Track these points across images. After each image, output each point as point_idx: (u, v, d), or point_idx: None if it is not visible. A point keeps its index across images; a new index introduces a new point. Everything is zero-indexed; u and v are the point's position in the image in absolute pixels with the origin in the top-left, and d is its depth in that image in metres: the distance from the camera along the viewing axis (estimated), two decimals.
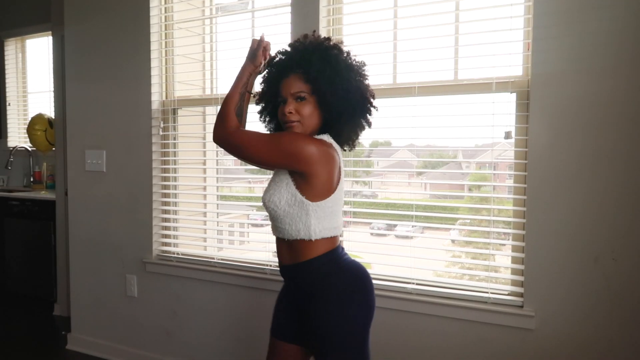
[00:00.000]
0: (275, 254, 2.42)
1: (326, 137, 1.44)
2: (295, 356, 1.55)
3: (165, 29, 2.62)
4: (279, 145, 1.38)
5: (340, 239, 1.65)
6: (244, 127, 1.57)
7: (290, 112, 1.41)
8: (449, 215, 2.11)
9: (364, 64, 1.53)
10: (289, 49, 1.50)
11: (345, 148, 1.54)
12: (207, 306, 2.49)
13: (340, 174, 1.45)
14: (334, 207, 1.43)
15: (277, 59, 1.52)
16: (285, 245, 1.48)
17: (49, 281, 3.62)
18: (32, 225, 3.73)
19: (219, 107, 2.60)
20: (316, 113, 1.43)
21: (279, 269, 1.54)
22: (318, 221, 1.40)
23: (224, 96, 1.52)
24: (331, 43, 1.49)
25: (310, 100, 1.42)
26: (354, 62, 1.50)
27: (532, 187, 1.81)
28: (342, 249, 1.53)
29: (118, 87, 2.67)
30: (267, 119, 1.59)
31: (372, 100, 1.51)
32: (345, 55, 1.49)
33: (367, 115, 1.51)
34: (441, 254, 2.15)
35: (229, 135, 1.46)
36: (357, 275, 1.49)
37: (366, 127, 1.53)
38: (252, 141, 1.41)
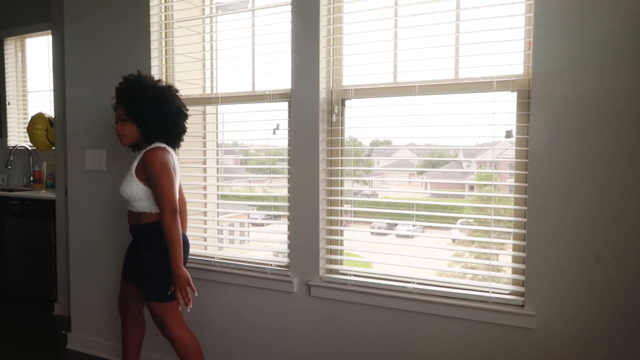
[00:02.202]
0: (276, 254, 2.43)
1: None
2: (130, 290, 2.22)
3: (165, 28, 2.61)
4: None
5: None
6: None
7: (117, 128, 2.13)
8: (449, 214, 2.11)
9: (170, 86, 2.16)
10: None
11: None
12: (207, 305, 2.49)
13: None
14: None
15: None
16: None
17: (49, 280, 3.61)
18: (32, 224, 3.73)
19: (219, 106, 2.62)
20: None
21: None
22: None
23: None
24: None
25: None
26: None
27: (533, 186, 1.81)
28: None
29: None
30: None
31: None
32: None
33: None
34: (442, 253, 2.15)
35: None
36: None
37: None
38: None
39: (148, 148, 2.07)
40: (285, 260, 2.35)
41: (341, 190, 2.25)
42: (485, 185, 2.04)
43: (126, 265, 2.22)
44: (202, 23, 2.66)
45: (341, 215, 2.24)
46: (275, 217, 2.46)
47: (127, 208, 2.12)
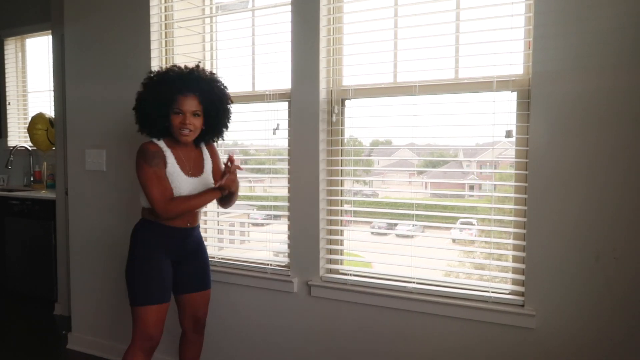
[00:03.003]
0: (276, 254, 2.43)
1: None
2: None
3: (165, 28, 2.61)
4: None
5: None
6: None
7: (189, 124, 1.91)
8: (449, 214, 2.11)
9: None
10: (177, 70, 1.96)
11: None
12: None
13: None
14: None
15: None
16: None
17: (49, 280, 3.62)
18: (32, 224, 3.73)
19: None
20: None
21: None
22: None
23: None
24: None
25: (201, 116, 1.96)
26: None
27: (533, 186, 1.81)
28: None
29: (118, 86, 2.67)
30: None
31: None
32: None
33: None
34: (442, 253, 2.15)
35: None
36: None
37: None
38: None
39: (206, 143, 2.09)
40: (285, 260, 2.36)
41: (341, 190, 2.25)
42: (485, 185, 2.04)
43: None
44: (202, 23, 2.66)
45: (341, 215, 2.24)
46: (275, 217, 2.46)
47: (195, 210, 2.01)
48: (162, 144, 1.95)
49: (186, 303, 2.10)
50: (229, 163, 1.88)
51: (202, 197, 1.91)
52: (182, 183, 1.92)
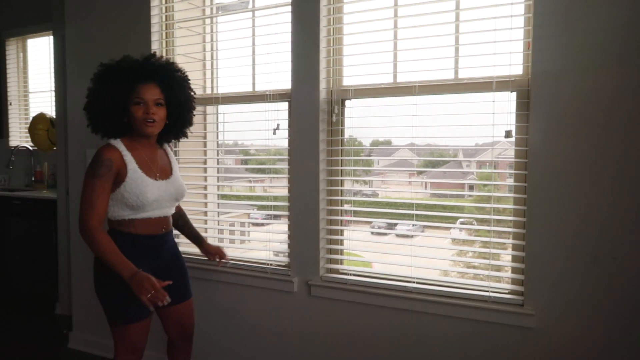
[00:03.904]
0: (276, 253, 2.43)
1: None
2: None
3: (166, 29, 2.62)
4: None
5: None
6: None
7: (154, 114, 1.75)
8: (449, 214, 2.12)
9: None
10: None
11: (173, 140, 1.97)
12: (207, 305, 2.50)
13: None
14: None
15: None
16: None
17: (50, 280, 3.62)
18: (33, 224, 3.74)
19: (219, 107, 2.62)
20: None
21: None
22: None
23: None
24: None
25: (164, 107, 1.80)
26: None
27: (533, 186, 1.81)
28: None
29: None
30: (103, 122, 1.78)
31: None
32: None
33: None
34: (442, 253, 2.15)
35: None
36: None
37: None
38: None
39: (168, 142, 1.95)
40: (285, 259, 2.36)
41: (341, 190, 2.25)
42: (485, 185, 2.04)
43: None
44: (202, 23, 2.67)
45: (341, 215, 2.25)
46: (275, 217, 2.47)
47: (164, 213, 1.86)
48: (121, 146, 1.75)
49: (169, 316, 1.96)
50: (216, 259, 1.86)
51: (118, 265, 1.63)
52: (148, 187, 1.74)
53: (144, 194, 1.74)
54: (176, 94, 1.80)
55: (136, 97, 1.73)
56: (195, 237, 2.14)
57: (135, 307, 1.70)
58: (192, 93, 1.90)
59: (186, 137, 1.97)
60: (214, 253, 2.11)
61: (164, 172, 1.85)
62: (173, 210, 1.94)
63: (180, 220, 2.12)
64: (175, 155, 2.62)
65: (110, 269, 1.66)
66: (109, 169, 1.70)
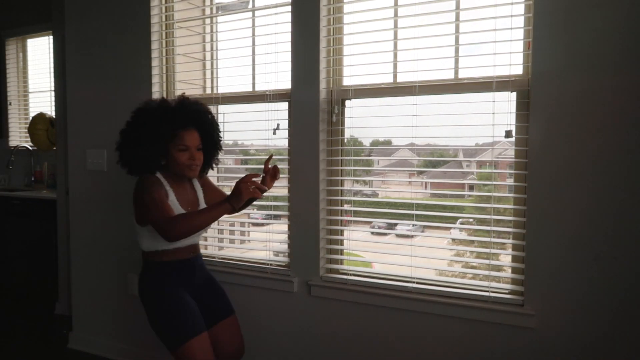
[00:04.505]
0: (276, 253, 2.43)
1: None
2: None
3: (166, 28, 2.62)
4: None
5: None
6: None
7: (198, 159, 1.86)
8: (449, 214, 2.11)
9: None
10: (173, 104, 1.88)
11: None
12: None
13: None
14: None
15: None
16: None
17: (50, 280, 3.62)
18: (33, 224, 3.74)
19: (219, 106, 2.62)
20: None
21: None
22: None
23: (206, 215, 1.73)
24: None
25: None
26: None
27: (533, 186, 1.81)
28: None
29: (119, 86, 2.68)
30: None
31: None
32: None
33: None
34: (442, 253, 2.15)
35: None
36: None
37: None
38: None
39: (201, 176, 2.04)
40: (285, 259, 2.36)
41: (341, 190, 2.25)
42: (485, 185, 2.04)
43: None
44: (202, 23, 2.67)
45: (341, 215, 2.25)
46: (275, 217, 2.46)
47: (194, 241, 1.96)
48: (162, 179, 1.86)
49: (218, 336, 1.95)
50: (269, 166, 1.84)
51: (211, 213, 1.71)
52: None
53: None
54: (211, 137, 1.93)
55: (181, 143, 1.82)
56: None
57: (190, 323, 1.78)
58: (220, 134, 2.01)
59: (212, 168, 2.08)
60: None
61: (193, 203, 1.94)
62: (200, 238, 2.03)
63: None
64: None
65: (158, 292, 1.83)
66: (159, 184, 1.81)
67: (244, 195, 1.64)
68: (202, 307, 1.92)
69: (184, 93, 1.99)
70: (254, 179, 1.68)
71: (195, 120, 1.86)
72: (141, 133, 1.80)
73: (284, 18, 2.26)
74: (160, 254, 1.88)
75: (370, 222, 2.30)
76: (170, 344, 1.79)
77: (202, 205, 1.98)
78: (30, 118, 4.09)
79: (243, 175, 1.71)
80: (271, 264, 2.37)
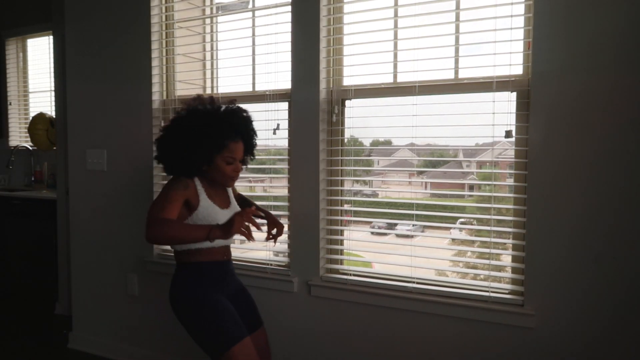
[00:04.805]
0: (276, 253, 2.43)
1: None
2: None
3: (166, 28, 2.62)
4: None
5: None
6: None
7: (240, 170, 1.86)
8: (449, 214, 2.11)
9: None
10: (224, 113, 1.82)
11: None
12: None
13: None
14: None
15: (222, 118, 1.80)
16: None
17: (50, 280, 3.62)
18: (33, 224, 3.74)
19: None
20: None
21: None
22: None
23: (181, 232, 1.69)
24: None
25: None
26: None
27: (533, 186, 1.81)
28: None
29: (119, 86, 2.68)
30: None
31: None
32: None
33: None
34: (442, 253, 2.15)
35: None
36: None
37: None
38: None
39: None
40: (285, 259, 2.36)
41: (341, 190, 2.25)
42: (485, 185, 2.04)
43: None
44: (202, 23, 2.67)
45: (341, 215, 2.24)
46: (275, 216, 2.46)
47: (227, 242, 1.90)
48: (197, 182, 1.82)
49: None
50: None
51: (194, 232, 1.66)
52: (217, 214, 1.80)
53: (216, 220, 1.77)
54: (251, 148, 1.91)
55: (229, 156, 1.79)
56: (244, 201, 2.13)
57: (233, 327, 1.72)
58: (256, 141, 1.97)
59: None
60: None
61: (225, 202, 1.90)
62: (232, 240, 1.96)
63: (241, 203, 2.12)
64: None
65: (195, 296, 1.76)
66: (185, 188, 1.75)
67: (235, 229, 1.61)
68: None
69: (235, 100, 1.92)
70: (254, 218, 1.66)
71: (242, 131, 1.83)
72: (189, 137, 1.75)
73: (284, 18, 2.26)
74: (194, 253, 1.81)
75: (370, 222, 2.30)
76: (212, 350, 1.72)
77: (234, 206, 1.94)
78: (30, 118, 4.09)
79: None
80: (271, 264, 2.37)
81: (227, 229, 1.62)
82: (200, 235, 1.64)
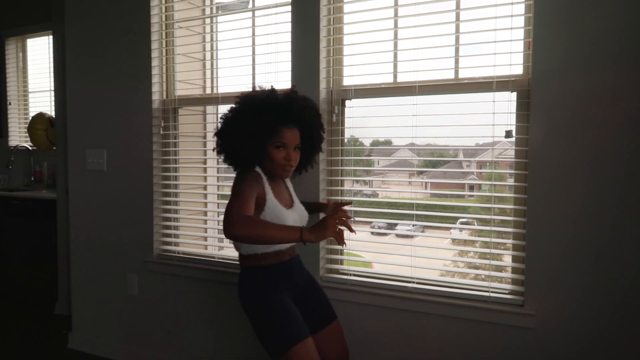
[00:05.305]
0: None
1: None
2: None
3: (166, 28, 2.62)
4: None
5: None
6: None
7: (294, 160, 1.74)
8: (449, 214, 2.11)
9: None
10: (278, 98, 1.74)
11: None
12: (207, 305, 2.50)
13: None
14: None
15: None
16: None
17: (50, 280, 3.62)
18: (33, 224, 3.74)
19: (219, 106, 2.62)
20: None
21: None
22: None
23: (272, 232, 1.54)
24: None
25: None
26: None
27: (533, 186, 1.81)
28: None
29: (119, 86, 2.68)
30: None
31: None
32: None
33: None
34: (442, 253, 2.15)
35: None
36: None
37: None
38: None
39: (292, 177, 1.93)
40: None
41: (341, 190, 2.25)
42: (485, 185, 2.04)
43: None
44: (202, 23, 2.67)
45: None
46: None
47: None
48: (261, 172, 1.73)
49: (323, 343, 1.80)
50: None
51: (284, 233, 1.52)
52: (284, 215, 1.71)
53: (282, 220, 1.68)
54: (313, 138, 1.80)
55: (279, 140, 1.70)
56: (312, 209, 2.01)
57: (294, 326, 1.66)
58: (324, 134, 1.89)
59: (306, 170, 1.93)
60: (333, 208, 1.92)
61: (287, 201, 1.83)
62: None
63: None
64: (175, 155, 2.63)
65: (259, 300, 1.70)
66: (255, 181, 1.68)
67: (328, 233, 1.47)
68: (307, 312, 1.79)
69: (294, 86, 1.85)
70: (345, 219, 1.54)
71: (299, 118, 1.72)
72: (241, 126, 1.69)
73: (284, 18, 2.26)
74: (259, 257, 1.75)
75: (370, 222, 2.30)
76: (274, 351, 1.69)
77: (298, 205, 1.86)
78: (30, 118, 4.09)
79: None
80: None
81: (321, 232, 1.48)
82: (292, 236, 1.50)
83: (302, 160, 1.83)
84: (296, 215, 1.79)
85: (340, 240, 1.52)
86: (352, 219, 1.89)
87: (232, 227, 1.50)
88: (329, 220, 1.49)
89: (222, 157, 1.80)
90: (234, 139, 1.71)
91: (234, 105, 1.77)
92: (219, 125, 1.78)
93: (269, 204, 1.70)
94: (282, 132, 1.70)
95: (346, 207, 2.00)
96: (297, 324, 1.68)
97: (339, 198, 2.25)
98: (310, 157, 1.87)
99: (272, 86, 1.79)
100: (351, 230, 1.58)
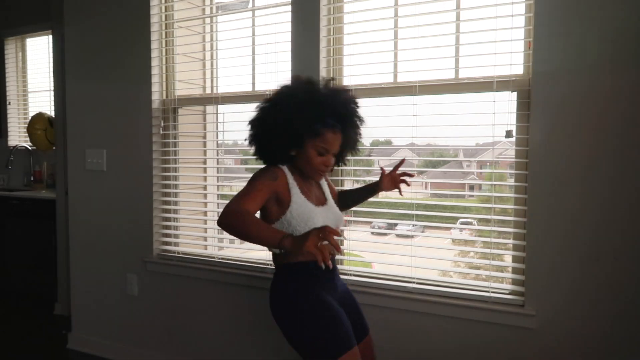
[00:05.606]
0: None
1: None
2: None
3: (166, 28, 2.61)
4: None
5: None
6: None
7: (331, 165, 1.63)
8: (449, 214, 2.11)
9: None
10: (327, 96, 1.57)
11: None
12: (207, 305, 2.49)
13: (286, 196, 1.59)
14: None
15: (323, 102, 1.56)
16: None
17: (49, 280, 3.62)
18: (32, 224, 3.73)
19: (219, 106, 2.62)
20: None
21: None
22: None
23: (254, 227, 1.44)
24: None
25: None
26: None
27: (533, 186, 1.81)
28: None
29: (118, 86, 2.67)
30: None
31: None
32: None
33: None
34: (442, 253, 2.15)
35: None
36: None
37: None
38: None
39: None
40: None
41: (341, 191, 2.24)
42: (485, 184, 2.04)
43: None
44: (202, 23, 2.67)
45: None
46: None
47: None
48: (286, 169, 1.61)
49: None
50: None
51: (263, 233, 1.40)
52: (313, 213, 1.57)
53: (312, 219, 1.55)
54: (351, 143, 1.67)
55: (322, 145, 1.56)
56: (369, 189, 1.88)
57: (344, 332, 1.50)
58: (361, 133, 1.71)
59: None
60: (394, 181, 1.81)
61: (319, 199, 1.69)
62: (342, 233, 1.78)
63: (344, 198, 1.91)
64: (175, 155, 2.62)
65: (302, 298, 1.54)
66: (273, 179, 1.55)
67: (307, 245, 1.29)
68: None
69: (333, 79, 1.70)
70: (333, 236, 1.31)
71: (344, 119, 1.57)
72: (278, 120, 1.53)
73: (284, 18, 2.25)
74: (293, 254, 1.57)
75: (370, 222, 2.29)
76: (315, 356, 1.50)
77: (331, 204, 1.72)
78: (30, 118, 4.08)
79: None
80: (270, 264, 2.37)
81: (300, 243, 1.32)
82: (271, 238, 1.38)
83: (337, 160, 1.71)
84: (329, 214, 1.65)
85: (319, 258, 1.29)
86: (342, 238, 1.82)
87: (222, 216, 1.44)
88: (313, 233, 1.32)
89: (258, 156, 1.67)
90: (268, 136, 1.58)
91: (270, 97, 1.62)
92: (256, 111, 1.63)
93: (295, 200, 1.56)
94: (326, 135, 1.55)
95: (403, 170, 1.86)
96: (347, 328, 1.51)
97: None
98: (344, 155, 1.73)
99: (308, 78, 1.63)
100: (338, 249, 1.34)
